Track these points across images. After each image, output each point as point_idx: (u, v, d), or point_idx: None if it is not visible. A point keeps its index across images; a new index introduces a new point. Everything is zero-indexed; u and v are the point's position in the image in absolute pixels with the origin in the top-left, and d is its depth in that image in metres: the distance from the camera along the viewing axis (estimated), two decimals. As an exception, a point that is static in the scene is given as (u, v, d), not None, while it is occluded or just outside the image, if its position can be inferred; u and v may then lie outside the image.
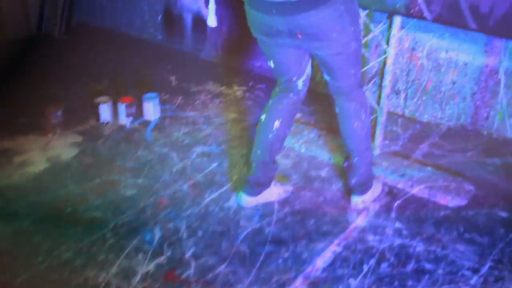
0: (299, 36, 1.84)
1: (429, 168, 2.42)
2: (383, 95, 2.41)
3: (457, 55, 2.68)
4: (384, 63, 2.37)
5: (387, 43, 2.34)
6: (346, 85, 2.02)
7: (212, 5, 2.27)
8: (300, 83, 2.10)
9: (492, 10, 2.06)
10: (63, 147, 2.70)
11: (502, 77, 2.59)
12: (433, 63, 2.78)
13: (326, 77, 2.04)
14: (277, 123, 2.13)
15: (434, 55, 2.76)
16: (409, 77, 2.87)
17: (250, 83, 3.37)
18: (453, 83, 2.74)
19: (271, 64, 2.07)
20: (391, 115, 2.84)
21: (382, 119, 2.45)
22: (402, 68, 2.88)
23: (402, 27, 2.36)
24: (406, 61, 2.86)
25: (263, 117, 2.16)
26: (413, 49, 2.81)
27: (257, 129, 2.19)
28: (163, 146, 2.70)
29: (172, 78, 3.48)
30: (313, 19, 1.78)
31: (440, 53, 2.73)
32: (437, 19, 2.19)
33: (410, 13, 2.23)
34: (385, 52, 2.35)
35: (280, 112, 2.13)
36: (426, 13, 2.20)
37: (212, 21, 2.27)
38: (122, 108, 2.89)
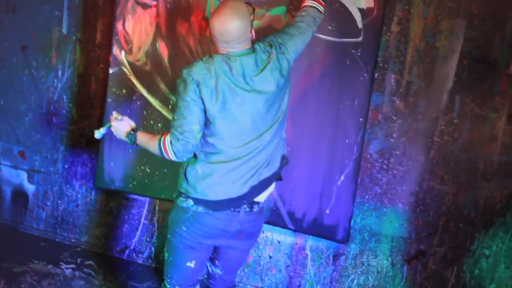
0: (239, 236, 2.19)
1: None
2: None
3: (272, 234, 3.20)
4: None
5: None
6: (234, 278, 2.44)
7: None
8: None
9: (304, 216, 2.62)
10: None
11: (308, 252, 3.16)
12: (253, 240, 3.23)
13: (218, 271, 2.35)
14: None
15: (253, 234, 3.22)
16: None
17: (78, 260, 3.39)
18: (270, 257, 3.22)
19: (191, 265, 2.23)
20: None
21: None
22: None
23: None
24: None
25: None
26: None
27: None
28: None
29: (-10, 258, 3.31)
30: (261, 218, 2.26)
31: (258, 233, 3.21)
32: (263, 221, 2.67)
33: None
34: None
35: None
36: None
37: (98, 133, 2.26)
38: None
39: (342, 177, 2.56)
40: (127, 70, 2.78)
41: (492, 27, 2.79)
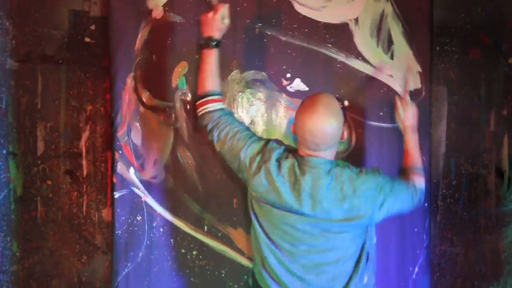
0: None
1: None
2: None
3: None
4: None
5: None
6: None
7: None
8: None
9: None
10: None
11: None
12: None
13: None
14: None
15: None
16: None
17: None
18: None
19: None
20: None
21: None
22: None
23: None
24: None
25: None
26: None
27: None
28: None
29: None
30: None
31: None
32: None
33: None
34: None
35: None
36: None
37: None
38: None
39: (416, 269, 2.36)
40: (140, 191, 2.15)
41: (469, 89, 2.94)
